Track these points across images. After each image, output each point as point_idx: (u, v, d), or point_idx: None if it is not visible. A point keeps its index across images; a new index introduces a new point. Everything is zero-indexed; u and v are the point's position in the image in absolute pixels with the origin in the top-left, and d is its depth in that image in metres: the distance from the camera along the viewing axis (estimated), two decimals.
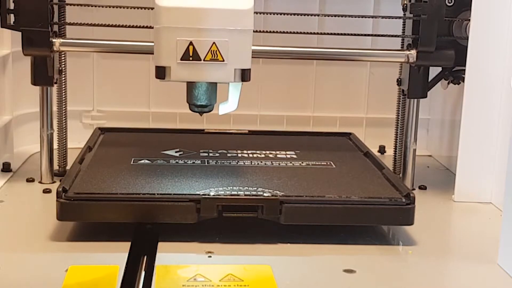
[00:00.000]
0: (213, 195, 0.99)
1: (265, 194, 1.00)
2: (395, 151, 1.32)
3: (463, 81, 1.18)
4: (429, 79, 1.24)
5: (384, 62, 1.20)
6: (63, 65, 1.24)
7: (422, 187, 1.27)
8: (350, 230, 1.02)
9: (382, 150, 1.48)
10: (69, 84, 1.27)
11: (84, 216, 0.98)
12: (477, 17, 1.14)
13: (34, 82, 1.19)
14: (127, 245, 0.96)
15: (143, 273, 0.91)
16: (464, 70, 1.17)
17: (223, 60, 0.99)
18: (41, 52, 1.15)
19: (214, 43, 0.99)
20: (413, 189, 1.25)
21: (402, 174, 1.27)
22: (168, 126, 1.42)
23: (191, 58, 0.99)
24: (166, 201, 0.98)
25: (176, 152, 1.19)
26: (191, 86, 1.04)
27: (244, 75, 1.01)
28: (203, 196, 0.98)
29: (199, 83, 1.03)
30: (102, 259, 0.92)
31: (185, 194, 0.99)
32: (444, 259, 0.98)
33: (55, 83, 1.21)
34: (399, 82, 1.26)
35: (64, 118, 1.26)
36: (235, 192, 1.00)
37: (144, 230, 1.00)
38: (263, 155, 1.19)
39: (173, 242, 0.97)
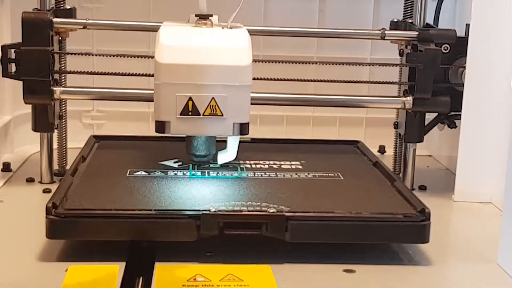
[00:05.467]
0: (214, 211, 0.93)
1: (270, 210, 0.94)
2: (395, 151, 1.32)
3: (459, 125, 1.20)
4: (426, 123, 1.25)
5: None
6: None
7: (422, 187, 1.27)
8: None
9: (382, 150, 1.48)
10: (69, 83, 1.27)
11: (76, 234, 0.92)
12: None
13: (35, 128, 1.20)
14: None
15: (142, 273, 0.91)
16: (460, 115, 1.19)
17: (222, 115, 1.01)
18: (42, 101, 1.16)
19: (213, 98, 1.00)
20: (413, 189, 1.25)
21: (402, 174, 1.27)
22: None
23: (190, 113, 1.01)
24: (164, 217, 0.92)
25: (174, 162, 1.13)
26: (190, 137, 1.06)
27: (243, 128, 1.02)
28: (203, 212, 0.92)
29: None
30: (102, 259, 0.91)
31: (184, 210, 0.94)
32: (444, 259, 0.98)
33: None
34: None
35: (64, 118, 1.26)
36: (238, 208, 0.95)
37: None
38: (266, 166, 1.14)
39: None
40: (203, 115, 1.01)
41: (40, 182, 1.22)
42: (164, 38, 1.02)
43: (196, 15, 1.07)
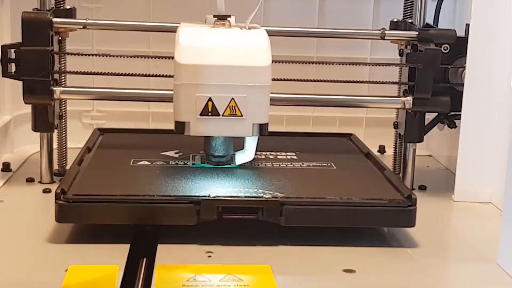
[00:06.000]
0: (213, 197, 0.98)
1: (265, 196, 0.99)
2: (395, 151, 1.32)
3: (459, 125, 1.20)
4: (426, 123, 1.25)
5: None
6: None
7: (422, 187, 1.27)
8: (351, 230, 1.02)
9: (382, 150, 1.48)
10: (69, 83, 1.27)
11: (83, 218, 0.97)
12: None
13: (35, 128, 1.20)
14: (126, 247, 0.95)
15: (142, 273, 0.91)
16: (460, 115, 1.19)
17: (242, 115, 1.02)
18: (42, 101, 1.16)
19: (232, 98, 1.01)
20: (413, 189, 1.25)
21: (402, 174, 1.27)
22: (168, 127, 1.41)
23: (210, 114, 1.02)
24: (166, 203, 0.97)
25: (175, 153, 1.17)
26: (208, 137, 1.07)
27: (262, 129, 1.04)
28: (203, 198, 0.97)
29: None
30: (102, 259, 0.92)
31: (185, 196, 0.98)
32: (444, 259, 0.99)
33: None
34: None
35: (64, 118, 1.26)
36: (235, 194, 1.00)
37: (143, 231, 0.99)
38: (263, 156, 1.18)
39: (173, 244, 0.96)
40: (222, 115, 1.02)
41: (40, 182, 1.22)
42: (183, 39, 1.02)
43: (214, 16, 1.07)
